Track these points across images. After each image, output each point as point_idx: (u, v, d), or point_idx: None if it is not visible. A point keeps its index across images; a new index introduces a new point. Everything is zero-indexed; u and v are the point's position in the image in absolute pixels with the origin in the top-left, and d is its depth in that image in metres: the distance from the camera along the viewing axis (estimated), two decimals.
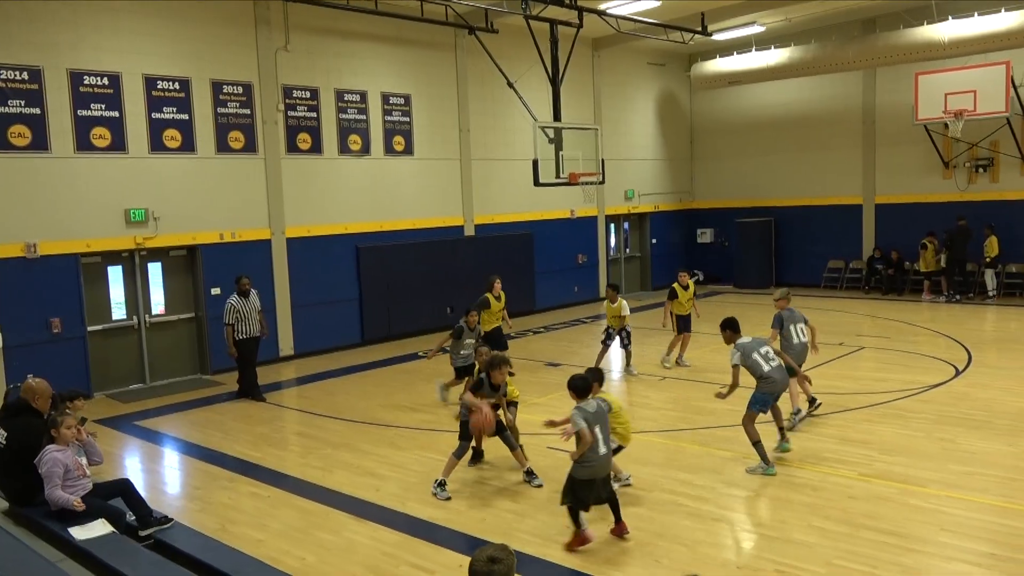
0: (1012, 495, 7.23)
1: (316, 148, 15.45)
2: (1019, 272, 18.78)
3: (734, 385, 8.29)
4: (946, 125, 18.26)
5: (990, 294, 18.73)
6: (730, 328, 8.63)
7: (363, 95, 16.14)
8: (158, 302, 13.86)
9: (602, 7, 15.84)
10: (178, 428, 10.97)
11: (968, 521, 6.75)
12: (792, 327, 9.80)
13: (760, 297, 20.98)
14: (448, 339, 11.24)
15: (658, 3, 16.12)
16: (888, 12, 19.22)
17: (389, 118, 16.62)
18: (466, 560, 3.45)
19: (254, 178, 14.62)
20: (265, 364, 13.57)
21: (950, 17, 17.53)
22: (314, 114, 15.39)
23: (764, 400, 8.23)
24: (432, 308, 17.16)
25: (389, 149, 16.65)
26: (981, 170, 19.24)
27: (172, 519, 6.90)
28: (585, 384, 6.76)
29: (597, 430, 6.51)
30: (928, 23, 17.83)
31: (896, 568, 5.97)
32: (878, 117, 20.67)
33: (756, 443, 8.10)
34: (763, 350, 8.39)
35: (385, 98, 16.53)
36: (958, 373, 11.91)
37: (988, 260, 18.64)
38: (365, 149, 16.22)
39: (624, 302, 12.90)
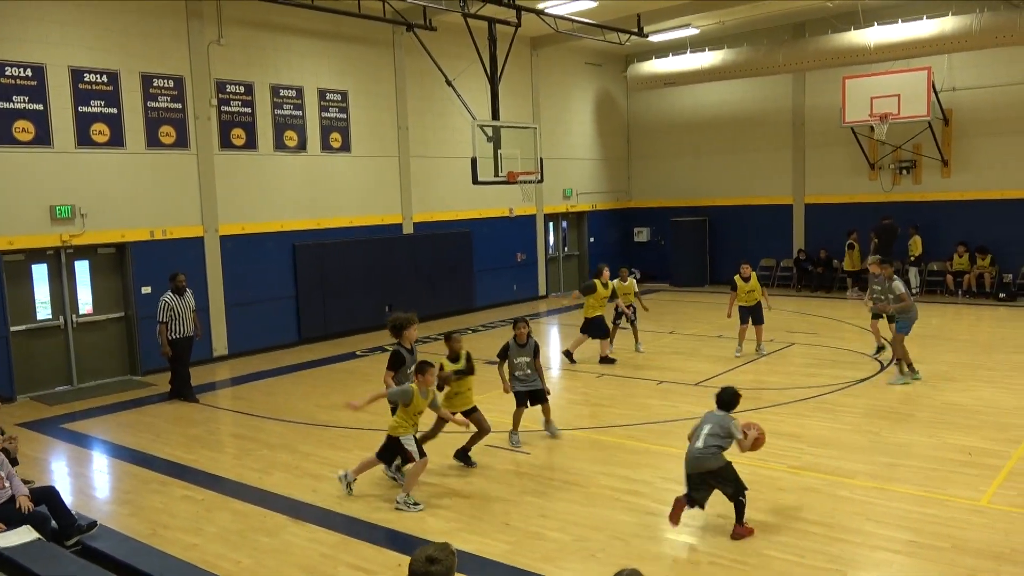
0: (932, 485, 7.54)
1: (251, 144, 15.18)
2: (940, 270, 19.53)
3: (908, 304, 11.17)
4: (872, 128, 18.88)
5: (913, 292, 19.42)
6: (891, 264, 12.03)
7: (299, 91, 15.92)
8: (85, 301, 13.45)
9: (540, 6, 15.92)
10: (107, 431, 10.67)
11: (891, 511, 7.01)
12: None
13: (695, 295, 21.41)
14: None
15: (595, 3, 16.28)
16: (817, 17, 19.78)
17: (326, 114, 16.43)
18: (406, 560, 3.45)
19: (186, 174, 14.30)
20: (198, 364, 13.29)
21: (876, 23, 18.16)
22: (248, 109, 15.12)
23: (907, 325, 11.25)
24: (370, 306, 17.04)
25: (326, 146, 16.46)
26: (904, 172, 19.95)
27: (97, 522, 6.72)
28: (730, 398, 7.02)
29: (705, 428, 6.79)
30: (855, 28, 18.44)
31: (823, 557, 6.17)
32: (807, 119, 21.26)
33: (899, 360, 11.23)
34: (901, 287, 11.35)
35: (322, 94, 16.34)
36: (883, 368, 12.33)
37: (912, 259, 19.35)
38: (301, 145, 16.01)
39: (633, 279, 13.98)
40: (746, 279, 13.18)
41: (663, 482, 7.94)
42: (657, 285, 23.11)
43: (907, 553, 6.21)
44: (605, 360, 13.28)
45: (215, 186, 14.66)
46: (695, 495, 6.70)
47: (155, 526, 7.31)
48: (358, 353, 15.09)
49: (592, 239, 23.66)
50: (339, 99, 16.65)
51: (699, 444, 6.75)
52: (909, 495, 7.33)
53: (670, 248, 23.50)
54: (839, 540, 6.46)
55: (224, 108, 14.74)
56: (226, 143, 14.81)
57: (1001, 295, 18.32)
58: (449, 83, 16.07)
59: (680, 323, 16.97)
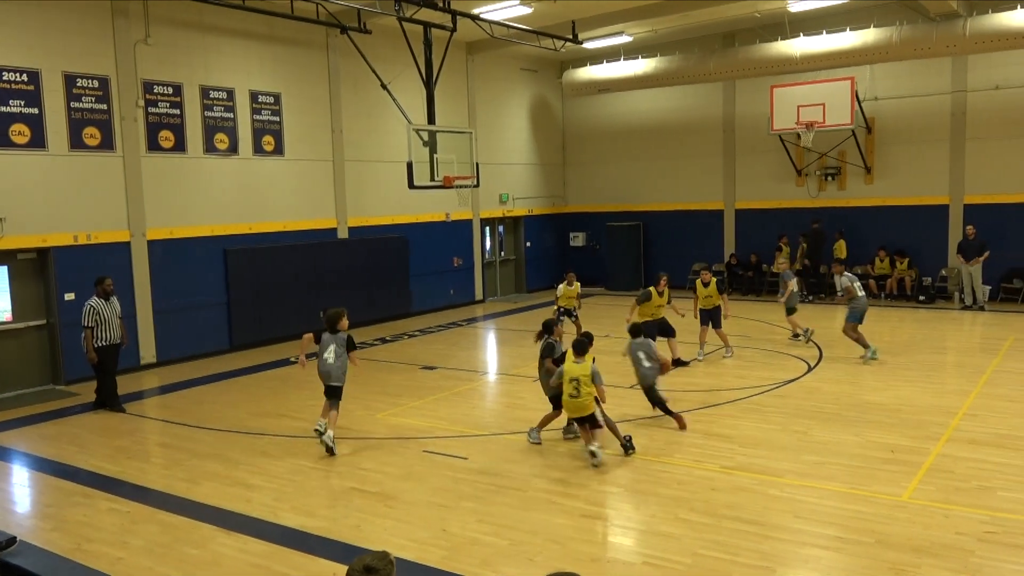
0: (856, 482, 7.78)
1: (180, 146, 14.82)
2: (864, 273, 20.15)
3: (850, 292, 13.15)
4: (798, 135, 19.42)
5: (839, 294, 19.99)
6: (842, 263, 15.10)
7: (230, 92, 15.61)
8: (4, 308, 12.93)
9: (475, 11, 15.95)
10: (28, 442, 10.26)
11: (819, 508, 7.21)
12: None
13: (630, 299, 21.61)
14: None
15: (530, 10, 16.39)
16: (746, 27, 20.28)
17: (258, 117, 16.15)
18: (341, 568, 3.39)
19: (112, 177, 13.88)
20: (125, 373, 12.91)
21: (802, 34, 18.71)
22: (177, 111, 14.76)
23: (854, 315, 13.13)
24: (304, 312, 16.78)
25: (258, 149, 16.17)
26: (830, 178, 20.57)
27: (17, 538, 6.45)
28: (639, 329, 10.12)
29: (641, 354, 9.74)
30: (782, 39, 18.96)
31: (755, 555, 6.30)
32: (737, 127, 21.76)
33: (857, 340, 13.14)
34: (859, 283, 13.25)
35: (254, 96, 16.05)
36: (810, 369, 12.69)
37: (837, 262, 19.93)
38: (233, 148, 15.69)
39: (578, 284, 14.96)
40: (705, 284, 13.61)
41: (599, 484, 8.01)
42: (593, 289, 23.31)
43: (834, 549, 6.40)
44: (678, 363, 13.05)
45: (142, 189, 14.27)
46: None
47: (79, 540, 7.06)
48: (292, 359, 14.84)
49: (529, 244, 23.77)
50: (272, 101, 16.38)
51: (649, 364, 9.67)
52: (835, 492, 7.55)
53: (606, 252, 23.77)
54: (770, 538, 6.61)
55: (151, 109, 14.37)
56: (154, 145, 14.43)
57: (921, 297, 19.03)
58: (384, 87, 15.97)
59: (616, 327, 17.11)
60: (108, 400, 11.63)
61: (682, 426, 9.57)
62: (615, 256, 23.40)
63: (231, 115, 15.65)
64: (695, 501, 7.43)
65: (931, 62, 18.59)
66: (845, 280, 13.28)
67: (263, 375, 13.78)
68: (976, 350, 14.27)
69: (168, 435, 10.60)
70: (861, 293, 13.20)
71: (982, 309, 17.73)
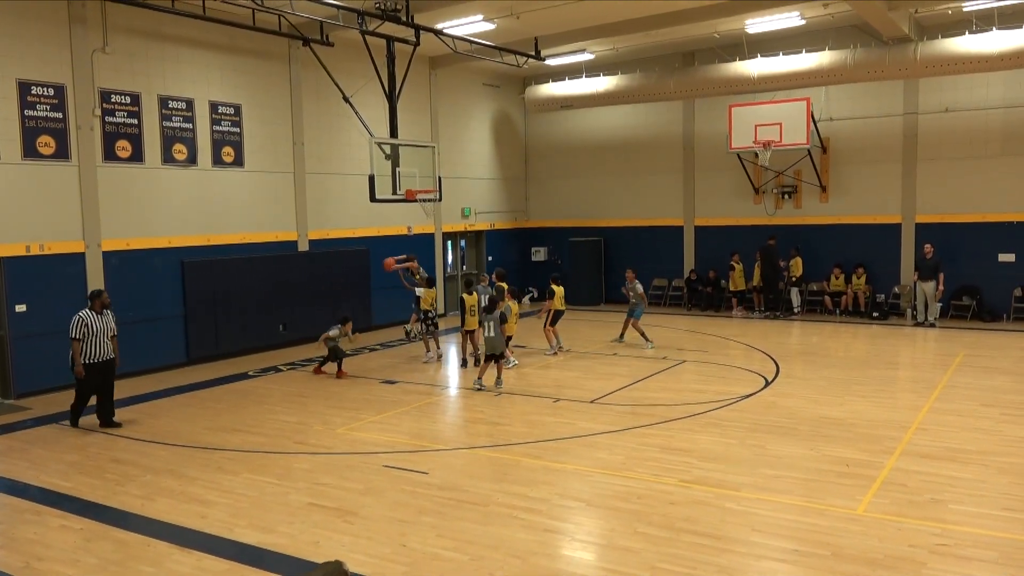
0: (812, 495, 7.90)
1: (137, 157, 14.62)
2: (819, 290, 20.55)
3: (642, 298, 16.53)
4: (756, 154, 19.77)
5: (795, 311, 20.38)
6: (633, 271, 16.71)
7: (190, 103, 15.45)
8: None
9: (438, 26, 16.00)
10: None
11: (775, 521, 7.31)
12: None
13: (590, 313, 21.82)
14: None
15: (493, 26, 16.50)
16: (706, 47, 20.64)
17: (218, 128, 15.99)
18: None
19: (66, 186, 13.63)
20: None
21: (759, 55, 19.08)
22: (135, 121, 14.57)
23: (637, 313, 16.26)
24: (264, 325, 16.64)
25: (218, 160, 16.01)
26: (786, 196, 20.96)
27: None
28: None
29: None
30: (740, 59, 19.32)
31: (712, 568, 6.37)
32: (696, 144, 22.09)
33: (642, 334, 16.16)
34: (640, 288, 16.46)
35: (214, 107, 15.90)
36: (767, 384, 12.87)
37: (793, 279, 20.31)
38: (191, 159, 15.51)
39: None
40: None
41: (560, 499, 8.03)
42: None
43: (791, 561, 6.49)
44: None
45: (98, 199, 14.03)
46: None
47: (28, 558, 6.89)
48: (251, 373, 14.67)
49: (490, 258, 23.80)
50: (232, 112, 16.24)
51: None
52: (792, 505, 7.66)
53: (567, 267, 23.89)
54: (727, 551, 6.68)
55: (108, 119, 14.15)
56: (110, 155, 14.21)
57: (874, 314, 19.44)
58: (347, 99, 15.93)
59: (576, 341, 17.23)
60: (102, 417, 11.23)
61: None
62: (576, 271, 23.53)
63: (190, 126, 15.48)
64: (653, 515, 7.48)
65: (884, 85, 19.09)
66: (639, 287, 16.40)
67: (220, 389, 13.58)
68: (928, 366, 14.60)
69: (122, 450, 10.38)
70: (639, 299, 16.51)
71: (932, 326, 18.15)
